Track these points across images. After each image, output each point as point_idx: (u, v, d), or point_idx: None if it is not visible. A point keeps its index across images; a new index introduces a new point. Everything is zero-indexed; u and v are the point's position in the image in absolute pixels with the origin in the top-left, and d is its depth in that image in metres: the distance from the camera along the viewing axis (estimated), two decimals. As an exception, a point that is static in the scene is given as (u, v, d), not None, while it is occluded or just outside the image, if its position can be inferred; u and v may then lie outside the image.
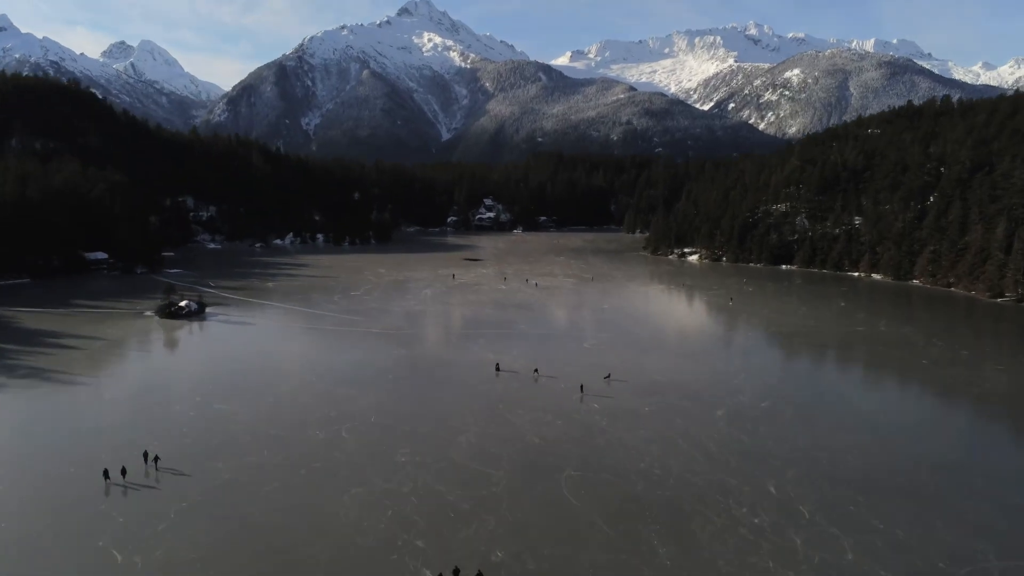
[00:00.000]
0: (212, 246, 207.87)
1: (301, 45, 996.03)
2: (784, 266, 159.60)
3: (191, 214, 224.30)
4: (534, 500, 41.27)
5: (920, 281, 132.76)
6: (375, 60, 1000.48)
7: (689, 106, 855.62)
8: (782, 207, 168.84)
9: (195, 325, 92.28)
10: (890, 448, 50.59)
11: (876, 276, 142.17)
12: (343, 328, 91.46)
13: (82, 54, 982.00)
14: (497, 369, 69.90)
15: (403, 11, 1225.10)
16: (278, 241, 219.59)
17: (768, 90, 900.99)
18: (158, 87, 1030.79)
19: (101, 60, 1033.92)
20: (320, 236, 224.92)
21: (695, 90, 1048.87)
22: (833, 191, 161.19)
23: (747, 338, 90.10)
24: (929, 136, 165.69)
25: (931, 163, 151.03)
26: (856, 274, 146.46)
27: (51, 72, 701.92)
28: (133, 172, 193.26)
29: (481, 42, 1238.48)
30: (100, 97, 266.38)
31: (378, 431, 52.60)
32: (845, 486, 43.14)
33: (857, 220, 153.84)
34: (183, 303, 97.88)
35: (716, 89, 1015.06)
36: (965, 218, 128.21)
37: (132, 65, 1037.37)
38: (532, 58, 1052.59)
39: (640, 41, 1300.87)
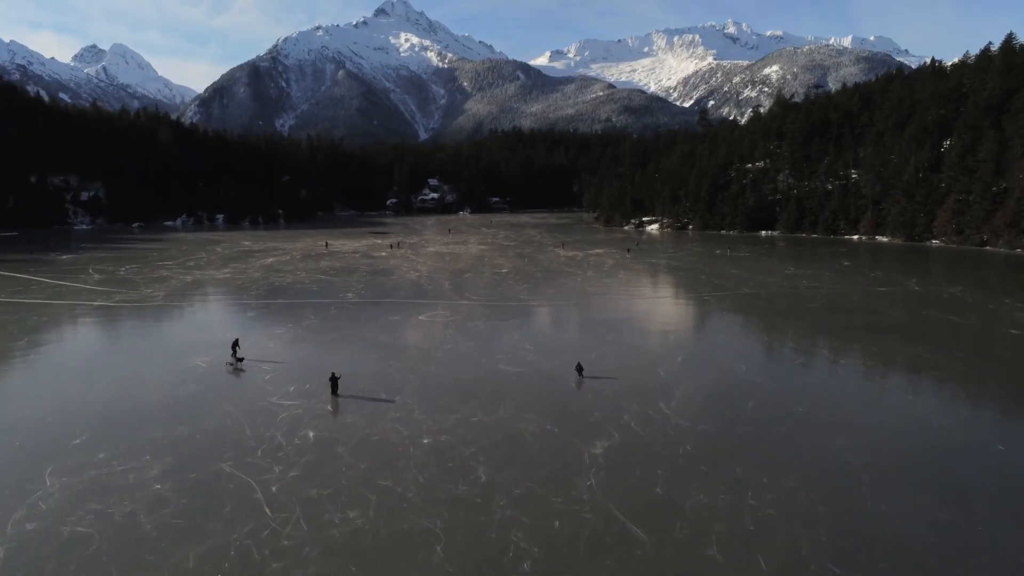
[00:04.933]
0: (80, 227, 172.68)
1: (275, 46, 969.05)
2: (764, 232, 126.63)
3: (70, 194, 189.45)
4: None
5: (942, 240, 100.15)
6: (351, 60, 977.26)
7: (668, 103, 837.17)
8: (760, 163, 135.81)
9: None
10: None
11: (882, 238, 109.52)
12: (55, 301, 57.36)
13: (52, 58, 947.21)
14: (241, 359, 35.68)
15: (379, 11, 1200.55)
16: (169, 222, 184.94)
17: (747, 87, 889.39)
18: (130, 91, 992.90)
19: (72, 64, 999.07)
20: (220, 217, 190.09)
21: (675, 88, 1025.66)
22: (823, 139, 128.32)
23: (716, 297, 56.68)
24: (938, 74, 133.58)
25: (946, 102, 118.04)
26: (855, 237, 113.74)
27: (18, 76, 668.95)
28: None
29: (459, 42, 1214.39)
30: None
31: None
32: None
33: (854, 174, 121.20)
34: None
35: (696, 87, 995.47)
36: (1002, 155, 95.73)
37: (104, 69, 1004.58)
38: (511, 58, 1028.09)
39: (619, 40, 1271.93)
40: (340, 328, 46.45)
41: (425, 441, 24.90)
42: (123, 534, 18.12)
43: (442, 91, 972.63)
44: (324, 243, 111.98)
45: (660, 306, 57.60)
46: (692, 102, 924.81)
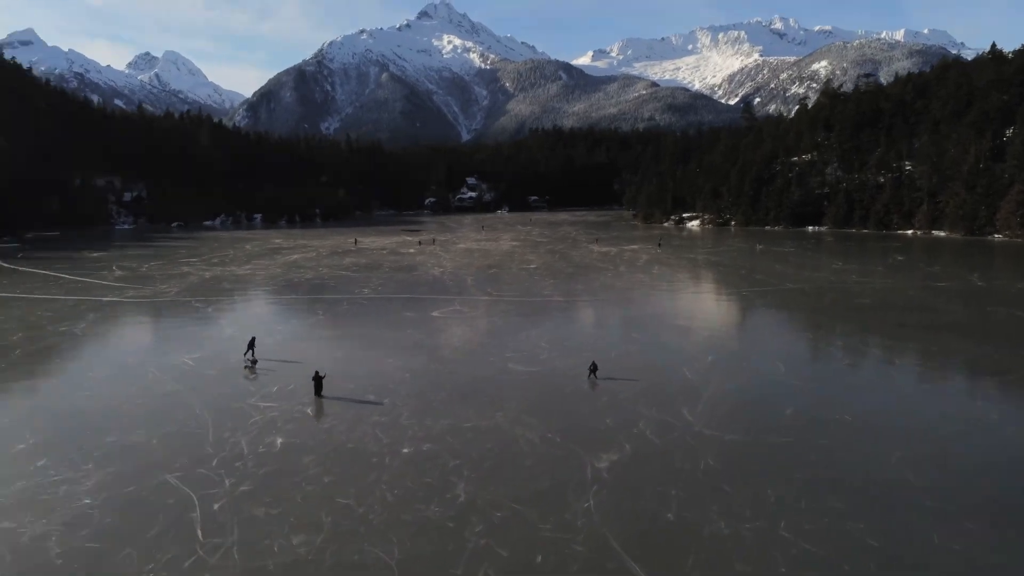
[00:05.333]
0: (121, 227, 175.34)
1: (320, 50, 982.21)
2: (811, 227, 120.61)
3: (113, 195, 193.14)
4: None
5: (1005, 234, 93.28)
6: (394, 63, 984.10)
7: (713, 100, 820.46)
8: (807, 156, 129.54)
9: None
10: None
11: (939, 233, 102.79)
12: (67, 296, 56.21)
13: (108, 66, 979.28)
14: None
15: (423, 14, 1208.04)
16: (208, 222, 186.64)
17: (795, 83, 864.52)
18: (182, 96, 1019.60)
19: (126, 71, 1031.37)
20: (258, 217, 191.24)
21: (720, 86, 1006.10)
22: (874, 129, 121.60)
23: (756, 293, 52.51)
24: (998, 60, 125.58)
25: (1008, 87, 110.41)
26: (909, 232, 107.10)
27: (76, 84, 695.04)
28: (47, 147, 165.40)
29: (501, 43, 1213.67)
30: (24, 68, 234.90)
31: None
32: None
33: (908, 165, 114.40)
34: None
35: (741, 84, 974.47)
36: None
37: (156, 75, 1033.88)
38: (553, 58, 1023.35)
39: (663, 38, 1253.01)
40: (346, 324, 43.77)
41: (405, 450, 21.74)
42: (23, 561, 15.37)
43: (484, 92, 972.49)
44: (353, 240, 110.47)
45: (693, 302, 53.53)
46: (737, 99, 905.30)
